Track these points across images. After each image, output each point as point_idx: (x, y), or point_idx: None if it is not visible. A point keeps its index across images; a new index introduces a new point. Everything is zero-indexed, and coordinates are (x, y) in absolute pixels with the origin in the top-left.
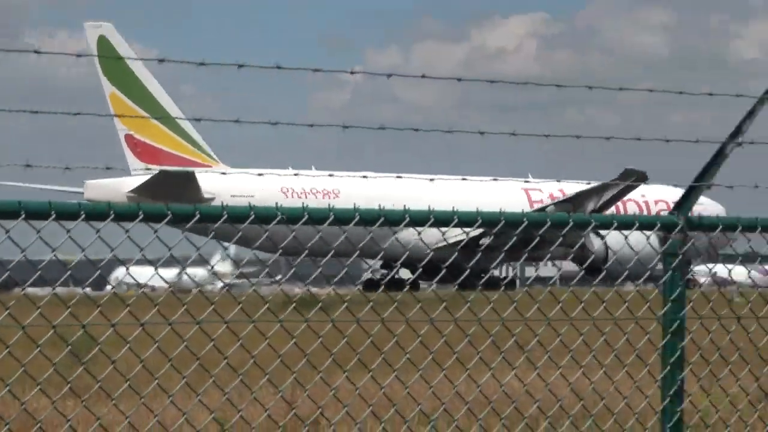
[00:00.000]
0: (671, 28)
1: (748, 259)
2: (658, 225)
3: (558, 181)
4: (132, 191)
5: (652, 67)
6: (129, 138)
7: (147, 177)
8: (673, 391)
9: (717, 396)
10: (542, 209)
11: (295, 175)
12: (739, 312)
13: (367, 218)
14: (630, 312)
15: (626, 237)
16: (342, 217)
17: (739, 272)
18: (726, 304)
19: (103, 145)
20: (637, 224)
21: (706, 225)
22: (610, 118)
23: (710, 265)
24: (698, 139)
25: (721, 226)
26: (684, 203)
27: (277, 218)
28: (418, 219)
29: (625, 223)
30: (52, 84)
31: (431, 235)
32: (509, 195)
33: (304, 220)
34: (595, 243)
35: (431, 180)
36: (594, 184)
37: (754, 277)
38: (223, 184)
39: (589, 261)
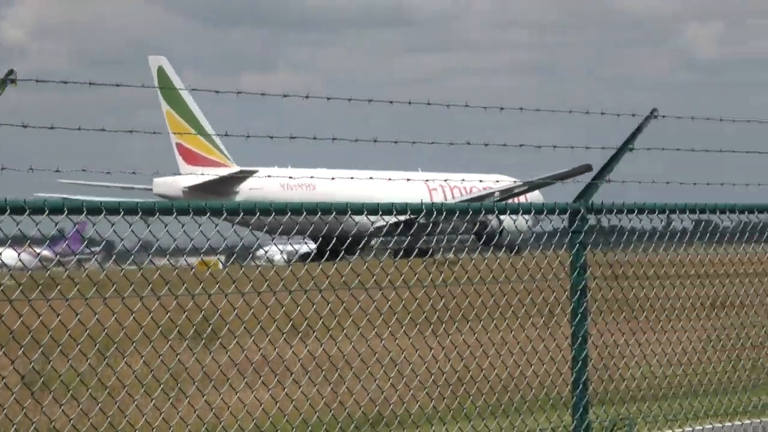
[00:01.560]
0: None
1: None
2: None
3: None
4: (187, 188)
5: None
6: (179, 146)
7: (199, 176)
8: None
9: None
10: (488, 195)
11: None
12: None
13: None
14: None
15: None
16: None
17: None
18: None
19: (161, 151)
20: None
21: None
22: None
23: None
24: None
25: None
26: None
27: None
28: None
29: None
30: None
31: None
32: (415, 187)
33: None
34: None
35: (370, 178)
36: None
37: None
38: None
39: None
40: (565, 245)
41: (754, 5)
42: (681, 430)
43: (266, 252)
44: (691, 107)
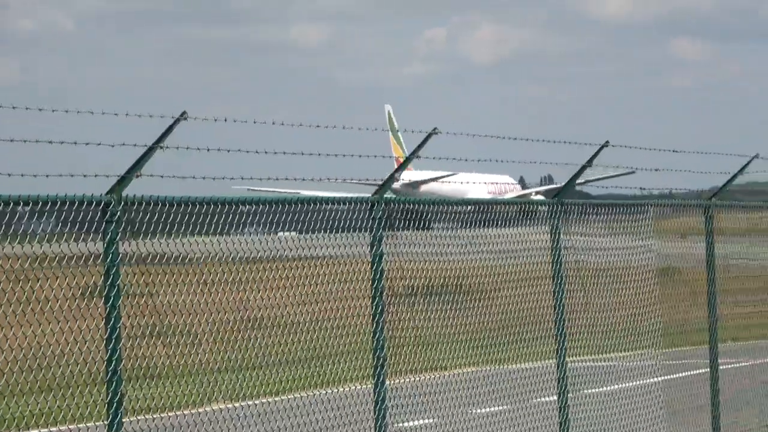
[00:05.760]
0: None
1: None
2: None
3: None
4: (405, 183)
5: None
6: (397, 160)
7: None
8: None
9: None
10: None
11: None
12: None
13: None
14: None
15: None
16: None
17: None
18: None
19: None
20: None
21: None
22: None
23: None
24: None
25: None
26: None
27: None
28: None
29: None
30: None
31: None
32: (479, 188)
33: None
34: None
35: (475, 183)
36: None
37: None
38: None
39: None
40: None
41: None
42: None
43: None
44: None
